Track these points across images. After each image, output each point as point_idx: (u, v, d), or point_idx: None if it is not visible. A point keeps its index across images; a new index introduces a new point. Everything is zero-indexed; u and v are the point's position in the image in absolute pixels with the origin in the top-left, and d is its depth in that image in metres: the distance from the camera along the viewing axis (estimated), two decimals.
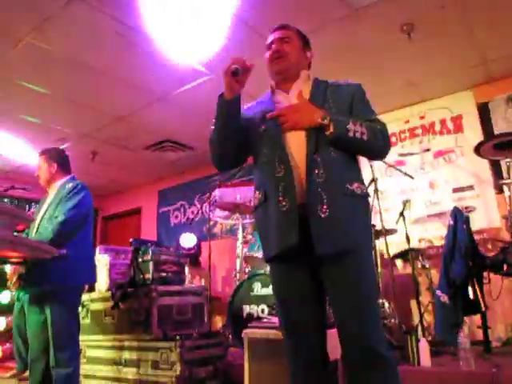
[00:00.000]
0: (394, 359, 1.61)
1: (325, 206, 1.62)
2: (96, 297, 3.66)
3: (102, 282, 3.72)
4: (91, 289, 3.81)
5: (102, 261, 3.76)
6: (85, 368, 3.52)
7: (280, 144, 1.74)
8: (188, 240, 5.99)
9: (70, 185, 2.89)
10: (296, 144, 1.72)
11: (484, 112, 4.67)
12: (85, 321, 3.64)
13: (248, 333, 2.74)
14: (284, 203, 1.67)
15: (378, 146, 1.76)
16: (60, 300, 2.69)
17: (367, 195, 1.80)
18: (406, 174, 4.22)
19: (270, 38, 1.93)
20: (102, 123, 5.24)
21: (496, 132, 4.47)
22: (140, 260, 3.53)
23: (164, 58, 3.91)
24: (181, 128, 5.53)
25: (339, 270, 1.64)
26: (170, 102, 4.79)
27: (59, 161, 3.03)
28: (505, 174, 2.81)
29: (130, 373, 3.25)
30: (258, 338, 2.67)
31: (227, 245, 6.06)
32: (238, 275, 4.66)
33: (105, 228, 8.58)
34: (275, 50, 1.88)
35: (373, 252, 1.87)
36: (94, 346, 3.59)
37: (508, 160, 2.78)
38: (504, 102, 4.57)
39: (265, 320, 2.88)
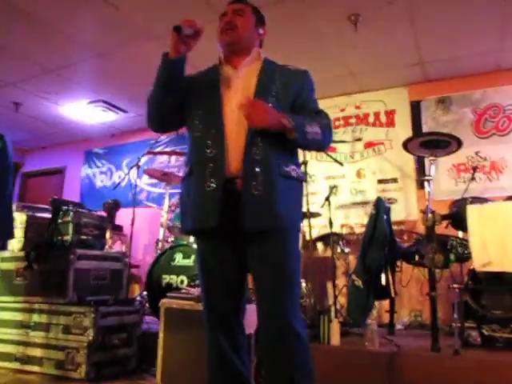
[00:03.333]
0: (307, 337, 1.67)
1: (259, 184, 1.64)
2: (8, 256, 3.46)
3: (17, 240, 3.52)
4: (3, 247, 3.60)
5: (18, 218, 3.55)
6: None
7: (217, 122, 1.72)
8: None
9: None
10: (235, 122, 1.71)
11: (416, 110, 4.89)
12: None
13: (165, 302, 2.72)
14: (210, 183, 1.66)
15: (326, 142, 1.83)
16: None
17: (302, 179, 1.84)
18: (336, 160, 4.31)
19: (225, 10, 1.89)
20: (28, 72, 4.89)
21: (424, 130, 4.69)
22: (60, 221, 3.37)
23: (109, 12, 3.70)
24: (117, 89, 5.32)
25: (265, 249, 1.66)
26: (109, 61, 4.57)
27: None
28: (427, 171, 2.97)
29: (38, 336, 3.11)
30: (175, 307, 2.67)
31: (152, 213, 5.94)
32: (160, 244, 4.60)
33: (25, 185, 8.09)
34: (227, 21, 1.84)
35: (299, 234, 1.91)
36: (2, 308, 3.40)
37: (432, 158, 2.92)
38: (434, 103, 4.80)
39: (183, 291, 2.87)
